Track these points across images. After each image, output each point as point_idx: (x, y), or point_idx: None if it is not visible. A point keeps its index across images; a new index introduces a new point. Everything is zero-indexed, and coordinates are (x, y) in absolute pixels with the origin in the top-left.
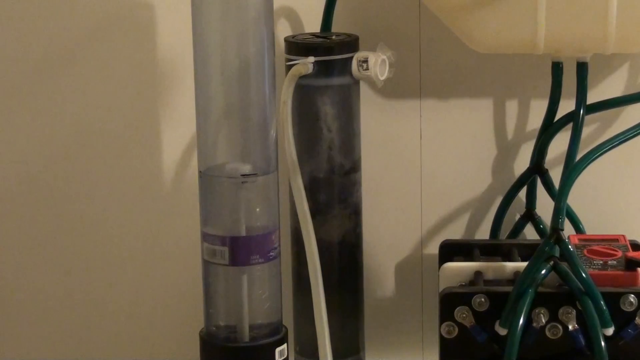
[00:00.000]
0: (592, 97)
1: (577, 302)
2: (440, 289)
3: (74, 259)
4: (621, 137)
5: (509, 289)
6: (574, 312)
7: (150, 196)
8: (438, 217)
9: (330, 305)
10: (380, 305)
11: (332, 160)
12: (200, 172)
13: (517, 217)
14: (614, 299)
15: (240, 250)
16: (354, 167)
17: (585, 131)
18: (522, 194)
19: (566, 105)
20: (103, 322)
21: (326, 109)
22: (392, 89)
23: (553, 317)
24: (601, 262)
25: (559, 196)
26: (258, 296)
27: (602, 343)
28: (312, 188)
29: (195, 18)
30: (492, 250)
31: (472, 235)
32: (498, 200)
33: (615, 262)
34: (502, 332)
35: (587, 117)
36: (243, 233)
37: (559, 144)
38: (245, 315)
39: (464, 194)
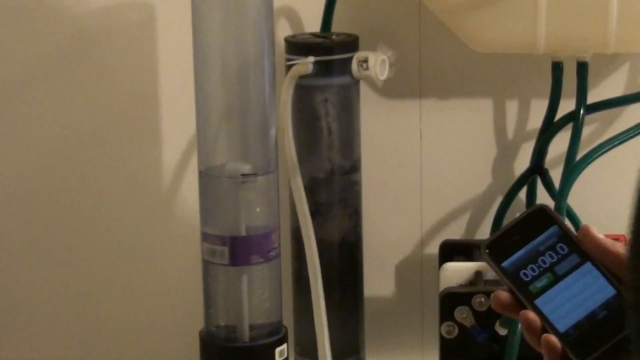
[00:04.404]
0: (592, 97)
1: None
2: (440, 289)
3: (74, 260)
4: (621, 137)
5: None
6: None
7: (150, 196)
8: (438, 217)
9: (330, 305)
10: (380, 305)
11: (332, 160)
12: (200, 172)
13: None
14: None
15: (240, 250)
16: (354, 167)
17: (585, 131)
18: (522, 194)
19: (566, 105)
20: (103, 322)
21: (326, 109)
22: (392, 89)
23: None
24: None
25: (559, 196)
26: (258, 296)
27: None
28: (312, 188)
29: (195, 18)
30: None
31: (472, 235)
32: (498, 200)
33: None
34: (502, 332)
35: (587, 117)
36: (243, 233)
37: (559, 144)
38: (245, 315)
39: (464, 194)
